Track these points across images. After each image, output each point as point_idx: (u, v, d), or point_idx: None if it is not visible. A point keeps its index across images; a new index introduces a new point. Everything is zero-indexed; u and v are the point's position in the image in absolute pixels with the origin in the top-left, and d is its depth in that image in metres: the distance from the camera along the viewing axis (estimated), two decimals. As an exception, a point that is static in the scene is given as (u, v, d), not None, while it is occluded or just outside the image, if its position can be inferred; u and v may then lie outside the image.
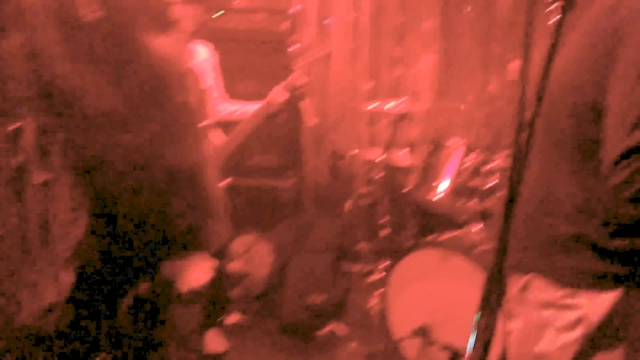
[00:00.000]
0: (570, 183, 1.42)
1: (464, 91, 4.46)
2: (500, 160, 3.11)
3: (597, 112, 1.32)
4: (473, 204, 3.11)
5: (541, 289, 1.45)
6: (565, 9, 0.98)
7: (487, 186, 3.07)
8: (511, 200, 1.07)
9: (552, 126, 1.45)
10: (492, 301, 1.07)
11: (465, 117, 4.34)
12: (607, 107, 1.29)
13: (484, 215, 3.16)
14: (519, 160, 1.06)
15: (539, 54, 1.34)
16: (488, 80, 4.44)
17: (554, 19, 0.99)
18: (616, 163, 1.21)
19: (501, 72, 4.42)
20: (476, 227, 3.16)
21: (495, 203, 3.05)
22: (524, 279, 1.51)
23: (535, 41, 1.05)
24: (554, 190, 1.44)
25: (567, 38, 1.57)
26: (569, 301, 1.41)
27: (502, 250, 1.09)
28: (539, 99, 1.03)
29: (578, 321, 1.39)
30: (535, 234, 1.48)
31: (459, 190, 3.14)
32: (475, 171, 3.14)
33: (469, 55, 4.48)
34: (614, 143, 1.24)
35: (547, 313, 1.45)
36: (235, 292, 3.82)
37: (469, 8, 4.45)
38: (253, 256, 3.96)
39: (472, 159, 3.16)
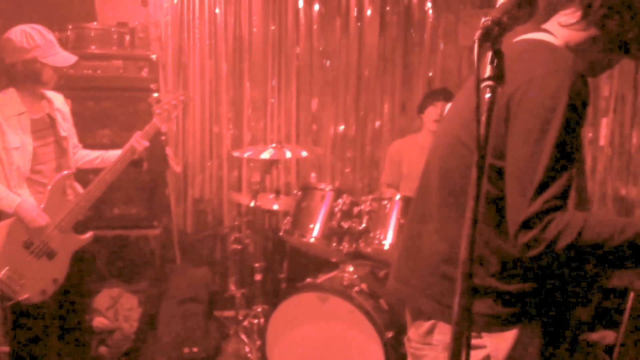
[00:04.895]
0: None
1: (329, 138, 4.67)
2: (367, 204, 3.27)
3: (491, 170, 1.45)
4: (345, 245, 3.25)
5: (446, 332, 1.57)
6: (494, 88, 1.02)
7: (358, 228, 3.23)
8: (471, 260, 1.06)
9: (447, 183, 1.61)
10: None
11: (332, 162, 4.55)
12: (508, 170, 1.41)
13: (355, 256, 3.31)
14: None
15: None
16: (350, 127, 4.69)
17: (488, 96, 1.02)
18: (521, 227, 1.35)
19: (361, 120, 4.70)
20: (348, 268, 3.31)
21: (365, 244, 3.21)
22: (428, 323, 1.65)
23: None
24: (453, 243, 1.55)
25: (457, 103, 1.76)
26: (474, 342, 1.54)
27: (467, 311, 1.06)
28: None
29: (486, 359, 1.55)
30: (437, 283, 1.60)
31: (331, 233, 3.27)
32: (344, 214, 3.29)
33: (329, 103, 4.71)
34: (518, 208, 1.36)
35: None
36: (102, 349, 3.63)
37: (328, 62, 4.69)
38: (119, 310, 3.79)
39: (340, 203, 3.30)
